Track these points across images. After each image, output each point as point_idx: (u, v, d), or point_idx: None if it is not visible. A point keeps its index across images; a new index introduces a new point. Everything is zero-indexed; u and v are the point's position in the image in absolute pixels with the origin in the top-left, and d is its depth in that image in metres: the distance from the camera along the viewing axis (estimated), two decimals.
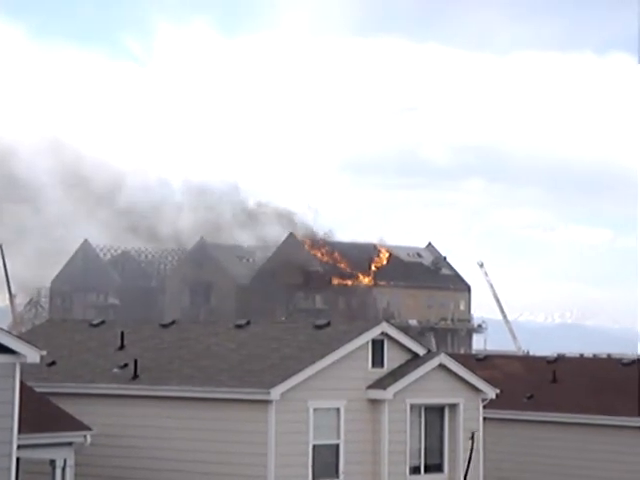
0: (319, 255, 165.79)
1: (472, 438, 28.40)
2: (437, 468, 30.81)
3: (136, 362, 30.23)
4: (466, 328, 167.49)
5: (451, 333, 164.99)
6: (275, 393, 27.68)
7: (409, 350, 30.59)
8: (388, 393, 29.48)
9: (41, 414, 26.05)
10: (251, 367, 29.41)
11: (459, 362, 31.47)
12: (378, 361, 29.98)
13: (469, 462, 27.97)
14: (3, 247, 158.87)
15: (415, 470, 30.33)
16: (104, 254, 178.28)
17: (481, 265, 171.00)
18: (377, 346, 29.99)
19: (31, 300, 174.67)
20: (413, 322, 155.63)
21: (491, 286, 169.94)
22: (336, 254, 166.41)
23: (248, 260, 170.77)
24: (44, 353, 23.48)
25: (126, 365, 30.63)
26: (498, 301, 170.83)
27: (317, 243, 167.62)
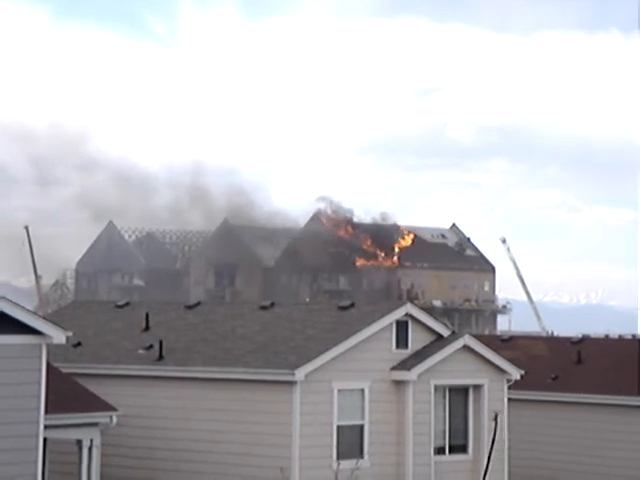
0: (343, 236, 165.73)
1: (495, 419, 28.35)
2: (461, 449, 30.84)
3: (161, 343, 30.36)
4: (490, 309, 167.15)
5: (475, 314, 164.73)
6: (299, 374, 27.74)
7: (433, 331, 30.58)
8: (412, 374, 29.49)
9: (67, 395, 26.22)
10: (275, 348, 29.49)
11: (483, 343, 31.44)
12: (402, 342, 29.99)
13: (492, 443, 27.93)
14: (29, 229, 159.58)
15: (439, 451, 30.36)
16: (129, 235, 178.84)
17: (504, 241, 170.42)
18: (401, 327, 30.00)
19: (57, 281, 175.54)
20: (437, 303, 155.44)
21: (514, 263, 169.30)
22: (360, 235, 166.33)
23: (272, 241, 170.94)
24: (70, 334, 23.62)
25: (151, 346, 30.77)
26: (522, 280, 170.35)
27: (341, 224, 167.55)
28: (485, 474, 28.45)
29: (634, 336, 62.72)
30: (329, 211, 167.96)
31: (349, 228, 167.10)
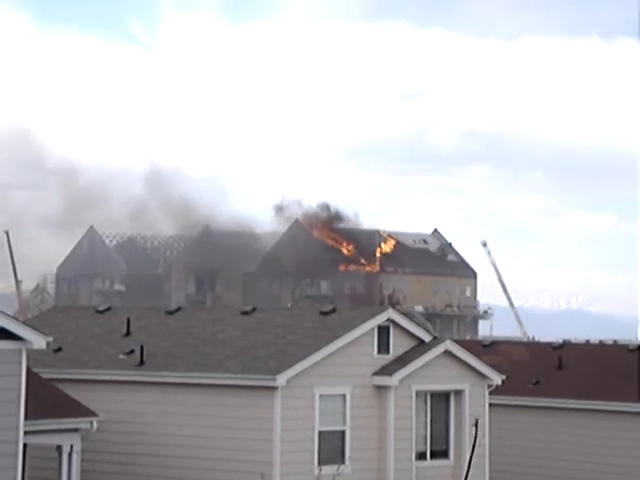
0: (325, 241, 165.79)
1: (476, 425, 28.40)
2: (443, 454, 30.85)
3: (142, 348, 30.28)
4: (472, 314, 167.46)
5: (457, 319, 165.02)
6: (281, 379, 27.70)
7: (415, 336, 30.59)
8: (394, 379, 29.49)
9: (47, 400, 26.10)
10: (257, 353, 29.44)
11: (465, 348, 31.47)
12: (384, 347, 29.99)
13: (473, 449, 27.98)
14: (9, 233, 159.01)
15: (421, 456, 30.36)
16: (110, 240, 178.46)
17: (484, 244, 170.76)
18: (383, 332, 30.00)
19: (37, 286, 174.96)
20: (419, 308, 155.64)
21: (495, 266, 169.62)
22: (342, 240, 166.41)
23: (254, 246, 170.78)
24: (50, 339, 23.53)
25: (132, 351, 30.68)
26: (503, 285, 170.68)
27: (323, 229, 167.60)
28: (466, 478, 28.49)
29: (615, 342, 62.93)
30: (311, 216, 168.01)
31: (331, 233, 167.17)
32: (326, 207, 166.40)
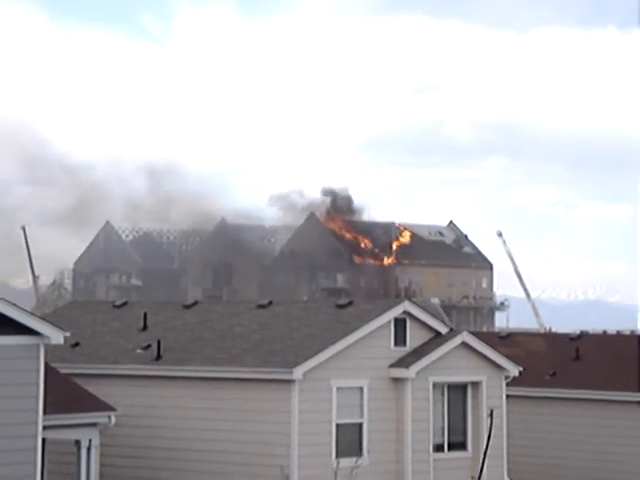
0: (341, 234, 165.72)
1: (491, 415, 28.38)
2: (460, 446, 30.84)
3: (159, 343, 30.35)
4: (488, 306, 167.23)
5: (473, 311, 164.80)
6: (297, 373, 27.73)
7: (431, 328, 30.58)
8: (411, 372, 29.49)
9: (66, 395, 26.20)
10: (273, 347, 29.48)
11: (481, 340, 31.44)
12: (400, 340, 29.99)
13: (489, 439, 27.94)
14: (26, 229, 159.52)
15: (438, 448, 30.36)
16: (126, 235, 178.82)
17: (500, 234, 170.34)
18: (399, 325, 30.00)
19: (54, 282, 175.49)
20: (435, 300, 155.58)
21: (510, 256, 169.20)
22: (358, 233, 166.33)
23: (270, 240, 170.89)
24: (68, 334, 23.61)
25: (149, 346, 30.76)
26: (519, 276, 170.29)
27: (339, 222, 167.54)
28: (481, 470, 28.48)
29: (632, 332, 62.74)
30: (327, 209, 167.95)
31: (347, 226, 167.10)
32: (330, 192, 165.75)
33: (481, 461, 28.32)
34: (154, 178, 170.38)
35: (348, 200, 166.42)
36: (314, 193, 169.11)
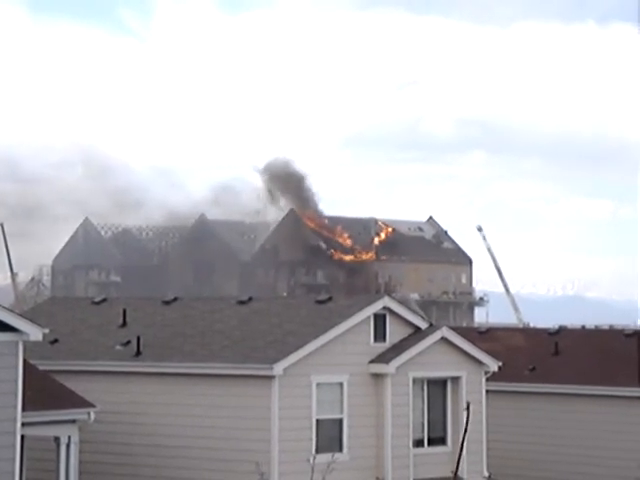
0: (320, 230, 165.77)
1: (467, 409, 28.40)
2: (440, 441, 30.90)
3: (139, 339, 30.28)
4: (468, 301, 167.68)
5: (453, 306, 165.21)
6: (278, 368, 27.73)
7: (411, 324, 30.62)
8: (390, 367, 29.53)
9: (44, 392, 26.10)
10: (254, 343, 29.46)
11: (461, 335, 31.51)
12: (380, 335, 30.01)
13: (465, 432, 27.99)
14: (4, 226, 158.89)
15: (418, 443, 30.42)
16: (105, 232, 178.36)
17: (480, 229, 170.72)
18: (379, 320, 30.02)
19: (33, 278, 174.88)
20: (415, 296, 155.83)
21: (490, 251, 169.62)
22: (337, 229, 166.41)
23: (250, 236, 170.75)
24: (46, 331, 23.53)
25: (129, 342, 30.69)
26: (499, 271, 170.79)
27: (318, 218, 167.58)
28: (458, 462, 28.53)
29: (611, 327, 63.03)
30: (306, 205, 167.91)
31: (326, 222, 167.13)
32: (285, 164, 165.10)
33: (458, 454, 28.37)
34: (134, 174, 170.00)
35: (287, 166, 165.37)
36: (295, 188, 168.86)
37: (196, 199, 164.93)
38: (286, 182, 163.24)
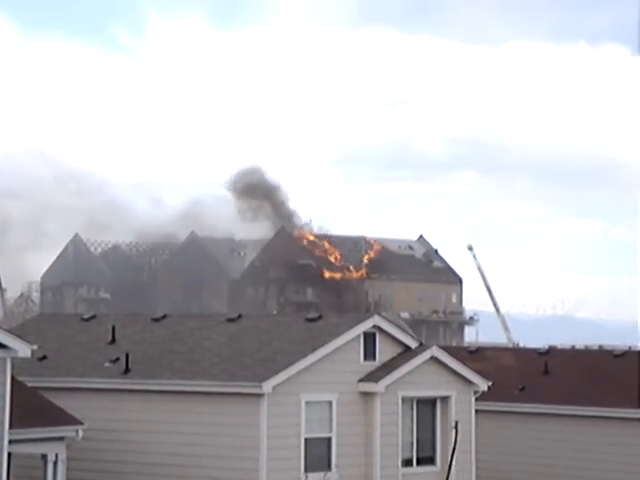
0: (310, 248, 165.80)
1: (456, 427, 28.43)
2: (429, 460, 30.83)
3: (127, 356, 30.19)
4: (458, 321, 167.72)
5: (443, 326, 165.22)
6: (267, 386, 27.66)
7: (401, 343, 30.59)
8: (380, 386, 29.48)
9: (32, 409, 26.00)
10: (243, 361, 29.39)
11: (451, 354, 31.48)
12: (370, 354, 29.97)
13: (453, 452, 27.98)
14: None
15: (407, 463, 30.34)
16: (95, 248, 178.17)
17: (470, 248, 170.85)
18: (369, 339, 29.98)
19: (22, 294, 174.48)
20: (405, 315, 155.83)
21: (480, 270, 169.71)
22: (328, 247, 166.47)
23: (240, 254, 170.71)
24: (35, 347, 23.46)
25: (117, 359, 30.59)
26: (489, 290, 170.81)
27: (308, 236, 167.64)
28: None
29: (600, 347, 63.07)
30: (296, 223, 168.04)
31: (317, 240, 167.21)
32: (258, 171, 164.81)
33: (447, 472, 28.32)
34: (124, 188, 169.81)
35: (263, 172, 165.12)
36: (285, 205, 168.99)
37: (178, 215, 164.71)
38: (257, 193, 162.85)
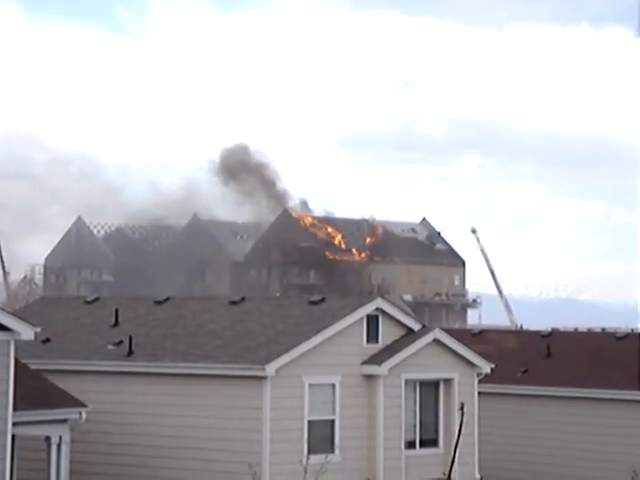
0: (313, 231, 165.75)
1: (462, 409, 28.42)
2: (432, 443, 30.89)
3: (131, 339, 30.23)
4: (460, 303, 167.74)
5: (446, 308, 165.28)
6: (270, 369, 27.69)
7: (404, 325, 30.60)
8: (383, 369, 29.50)
9: (36, 391, 26.05)
10: (246, 343, 29.42)
11: (454, 337, 31.50)
12: (373, 336, 29.99)
13: (459, 434, 27.98)
14: None
15: (410, 445, 30.40)
16: (98, 231, 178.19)
17: (474, 231, 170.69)
18: (372, 321, 30.00)
19: (25, 277, 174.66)
20: (408, 297, 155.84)
21: (484, 253, 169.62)
22: (331, 230, 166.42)
23: (242, 236, 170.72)
24: (38, 330, 23.48)
25: (121, 342, 30.63)
26: (492, 272, 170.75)
27: (311, 219, 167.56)
28: (452, 464, 28.52)
29: (603, 330, 63.11)
30: (300, 205, 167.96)
31: (320, 223, 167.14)
32: (245, 149, 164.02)
33: (452, 456, 28.37)
34: (132, 174, 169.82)
35: (250, 150, 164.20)
36: (288, 188, 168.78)
37: (174, 198, 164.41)
38: (245, 172, 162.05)
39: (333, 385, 29.09)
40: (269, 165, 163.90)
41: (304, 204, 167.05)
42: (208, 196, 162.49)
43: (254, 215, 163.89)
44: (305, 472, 25.31)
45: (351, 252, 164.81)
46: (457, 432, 29.12)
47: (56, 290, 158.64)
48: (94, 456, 29.48)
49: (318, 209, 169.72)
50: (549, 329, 43.90)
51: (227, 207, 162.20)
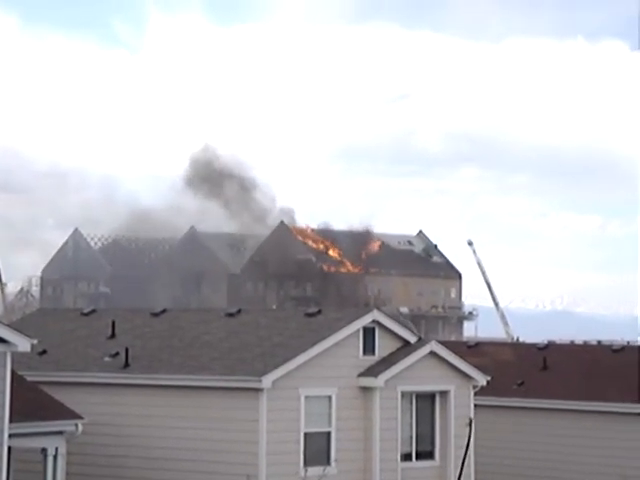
0: (310, 243, 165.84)
1: (470, 425, 28.33)
2: (428, 455, 30.89)
3: (127, 351, 30.24)
4: (457, 316, 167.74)
5: (442, 321, 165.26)
6: (266, 381, 27.71)
7: (400, 337, 30.63)
8: (379, 381, 29.53)
9: (32, 403, 26.06)
10: (242, 355, 29.44)
11: (450, 349, 31.53)
12: (369, 349, 30.02)
13: (467, 449, 27.96)
14: None
15: (406, 457, 30.40)
16: (95, 243, 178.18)
17: (470, 243, 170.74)
18: (368, 334, 30.03)
19: (22, 289, 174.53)
20: (404, 310, 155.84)
21: (480, 266, 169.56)
22: (327, 242, 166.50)
23: (239, 248, 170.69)
24: (35, 342, 23.50)
25: (117, 354, 30.64)
26: (489, 284, 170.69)
27: (308, 231, 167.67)
28: (459, 479, 28.51)
29: (599, 342, 63.15)
30: (296, 217, 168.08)
31: (316, 235, 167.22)
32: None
33: (459, 470, 28.36)
34: (131, 183, 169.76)
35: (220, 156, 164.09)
36: (286, 203, 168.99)
37: (162, 209, 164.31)
38: (227, 182, 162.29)
39: (329, 397, 29.10)
40: (254, 176, 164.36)
41: (288, 213, 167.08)
42: (194, 209, 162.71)
43: (238, 228, 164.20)
44: None
45: (347, 264, 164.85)
46: (459, 446, 29.08)
47: (53, 302, 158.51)
48: (90, 468, 29.46)
49: (315, 221, 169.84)
50: (545, 341, 43.96)
51: (212, 220, 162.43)
